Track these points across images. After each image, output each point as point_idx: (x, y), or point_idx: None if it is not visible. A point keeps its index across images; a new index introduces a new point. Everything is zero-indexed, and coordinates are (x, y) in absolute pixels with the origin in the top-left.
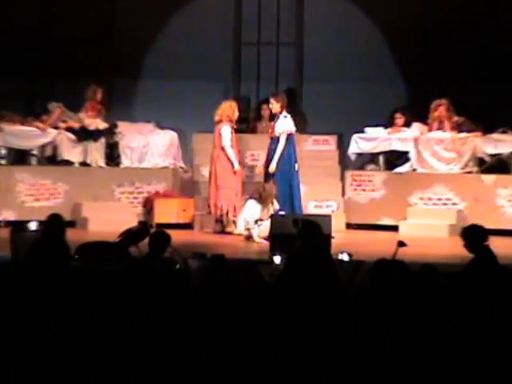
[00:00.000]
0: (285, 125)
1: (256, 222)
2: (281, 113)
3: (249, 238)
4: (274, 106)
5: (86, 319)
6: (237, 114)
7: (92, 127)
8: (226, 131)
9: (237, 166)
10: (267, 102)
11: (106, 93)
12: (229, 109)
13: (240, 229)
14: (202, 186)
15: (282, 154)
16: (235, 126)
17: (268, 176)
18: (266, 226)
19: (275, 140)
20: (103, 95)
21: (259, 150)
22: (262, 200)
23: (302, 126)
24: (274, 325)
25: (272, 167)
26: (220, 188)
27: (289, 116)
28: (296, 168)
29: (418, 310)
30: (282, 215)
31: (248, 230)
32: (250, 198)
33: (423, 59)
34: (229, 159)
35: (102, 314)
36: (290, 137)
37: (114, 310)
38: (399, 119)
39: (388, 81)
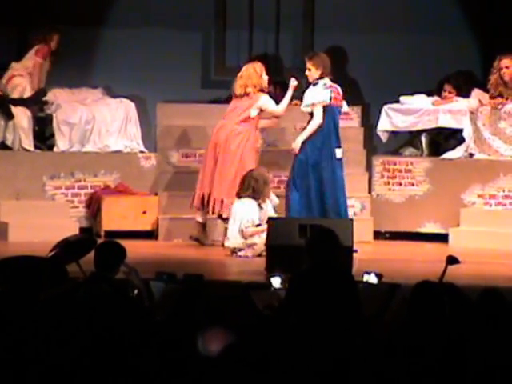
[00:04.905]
0: (310, 94)
1: (258, 226)
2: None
3: (251, 246)
4: (312, 73)
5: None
6: (265, 78)
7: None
8: (265, 99)
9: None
10: (263, 58)
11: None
12: (254, 75)
13: (235, 239)
14: (170, 179)
15: (314, 132)
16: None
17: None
18: (261, 238)
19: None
20: (58, 43)
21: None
22: (256, 192)
23: None
24: (272, 378)
25: (296, 143)
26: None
27: (321, 82)
28: (338, 155)
29: (477, 352)
30: (284, 218)
31: (252, 235)
32: (240, 196)
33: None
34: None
35: (27, 359)
36: (327, 110)
37: (45, 353)
38: (449, 92)
39: (439, 31)
